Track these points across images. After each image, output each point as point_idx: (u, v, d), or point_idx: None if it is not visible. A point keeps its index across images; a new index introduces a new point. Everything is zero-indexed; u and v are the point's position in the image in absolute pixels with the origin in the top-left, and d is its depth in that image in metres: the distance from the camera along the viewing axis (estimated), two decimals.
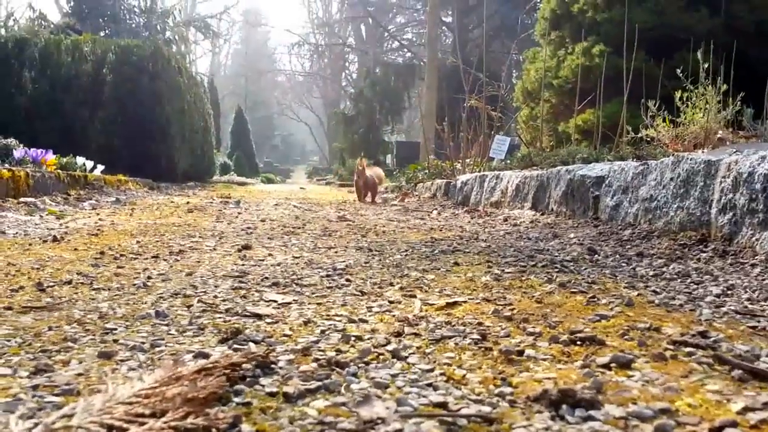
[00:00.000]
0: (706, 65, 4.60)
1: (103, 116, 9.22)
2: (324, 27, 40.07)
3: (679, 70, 4.75)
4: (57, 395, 0.84)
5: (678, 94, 4.68)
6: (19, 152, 5.77)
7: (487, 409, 0.79)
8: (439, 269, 1.94)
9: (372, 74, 20.74)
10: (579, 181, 3.34)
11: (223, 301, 1.47)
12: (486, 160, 6.95)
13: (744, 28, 6.59)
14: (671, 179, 2.52)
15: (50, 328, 1.19)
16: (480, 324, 1.23)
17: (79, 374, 0.93)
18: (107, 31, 18.45)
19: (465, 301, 1.45)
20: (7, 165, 5.21)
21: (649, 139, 4.90)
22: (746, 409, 0.77)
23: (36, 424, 0.69)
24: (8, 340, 1.10)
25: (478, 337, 1.13)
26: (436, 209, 5.17)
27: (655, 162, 2.72)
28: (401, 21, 33.72)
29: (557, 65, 7.72)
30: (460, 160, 7.51)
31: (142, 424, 0.66)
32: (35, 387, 0.87)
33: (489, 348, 1.07)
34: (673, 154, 2.87)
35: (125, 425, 0.66)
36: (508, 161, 6.50)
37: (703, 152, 3.19)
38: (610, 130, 5.66)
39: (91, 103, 9.29)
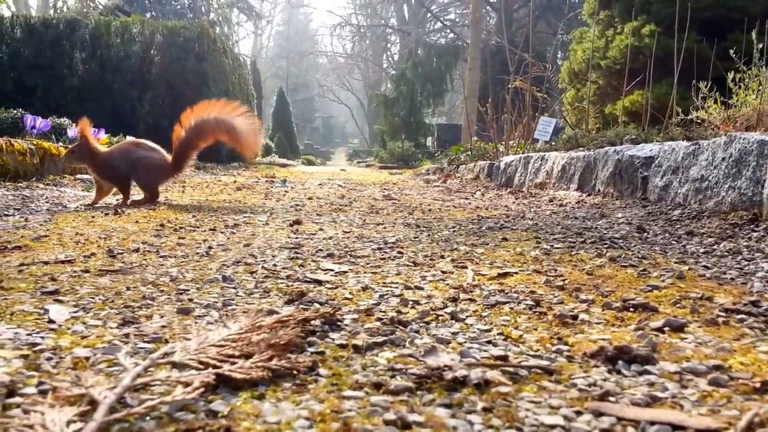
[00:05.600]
0: (760, 45, 4.47)
1: (151, 97, 9.46)
2: (366, 8, 39.95)
3: (732, 51, 4.63)
4: (147, 342, 0.92)
5: (730, 76, 4.57)
6: (72, 131, 5.95)
7: (545, 362, 0.83)
8: (487, 244, 1.98)
9: (414, 55, 20.64)
10: (627, 161, 3.31)
11: (283, 269, 1.54)
12: (530, 141, 6.90)
13: None
14: (723, 159, 2.49)
15: (128, 288, 1.28)
16: (533, 292, 1.28)
17: (163, 326, 1.01)
18: (153, 13, 18.81)
19: (516, 272, 1.49)
20: (61, 143, 5.42)
21: (699, 121, 4.81)
22: None
23: (142, 360, 0.77)
24: (92, 298, 1.20)
25: (532, 303, 1.18)
26: (479, 190, 5.18)
27: (707, 142, 2.69)
28: (444, 1, 33.38)
29: (605, 45, 7.58)
30: (503, 142, 7.48)
31: (233, 363, 0.74)
32: (126, 335, 0.95)
33: (543, 312, 1.11)
34: (725, 135, 2.83)
35: (218, 363, 0.73)
36: (553, 143, 6.44)
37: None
38: (658, 112, 5.56)
39: (139, 84, 9.53)
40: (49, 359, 0.83)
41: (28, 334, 0.94)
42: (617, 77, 6.96)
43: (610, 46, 7.48)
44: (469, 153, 8.38)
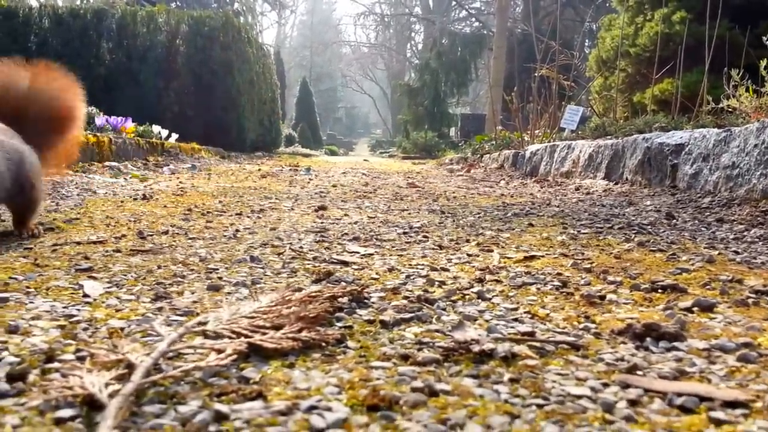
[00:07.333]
0: None
1: (177, 86, 9.54)
2: None
3: (765, 38, 4.53)
4: (180, 315, 0.94)
5: (763, 63, 4.46)
6: (100, 120, 6.04)
7: (572, 339, 0.84)
8: (513, 229, 1.98)
9: (438, 45, 20.48)
10: (657, 149, 3.27)
11: (310, 251, 1.56)
12: (556, 131, 6.83)
13: None
14: (755, 146, 2.45)
15: (159, 267, 1.31)
16: (559, 274, 1.27)
17: (195, 301, 1.03)
18: (178, 3, 18.94)
19: (543, 255, 1.49)
20: (89, 131, 5.51)
21: (730, 109, 4.71)
22: None
23: (175, 329, 0.79)
24: (125, 275, 1.22)
25: (559, 284, 1.18)
26: (503, 179, 5.16)
27: (739, 129, 2.64)
28: None
29: (635, 33, 7.45)
30: (529, 131, 7.41)
31: (264, 333, 0.75)
32: (159, 309, 0.97)
33: (570, 293, 1.11)
34: (757, 122, 2.78)
35: (250, 333, 0.75)
36: (579, 132, 6.37)
37: None
38: (688, 100, 5.45)
39: (165, 74, 9.61)
40: (85, 329, 0.85)
41: (64, 307, 0.96)
42: (646, 65, 6.84)
43: (640, 33, 7.35)
44: (494, 142, 8.33)
